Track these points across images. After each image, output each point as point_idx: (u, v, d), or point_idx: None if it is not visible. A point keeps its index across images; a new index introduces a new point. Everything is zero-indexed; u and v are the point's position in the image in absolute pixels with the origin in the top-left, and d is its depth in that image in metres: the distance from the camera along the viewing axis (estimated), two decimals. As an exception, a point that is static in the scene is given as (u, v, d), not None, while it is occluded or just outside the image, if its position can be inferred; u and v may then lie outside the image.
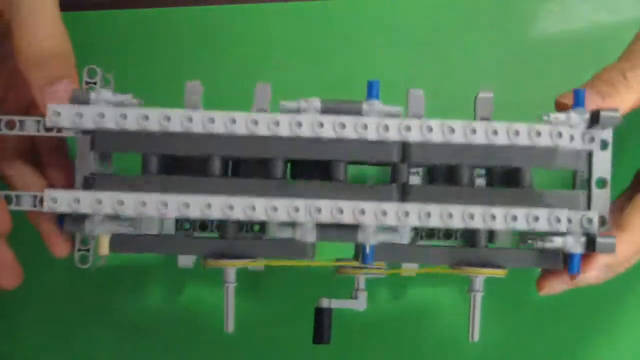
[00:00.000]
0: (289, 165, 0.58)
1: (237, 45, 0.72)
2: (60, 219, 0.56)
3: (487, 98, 0.62)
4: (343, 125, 0.53)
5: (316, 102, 0.54)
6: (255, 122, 0.53)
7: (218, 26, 0.72)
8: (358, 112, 0.54)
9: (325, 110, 0.54)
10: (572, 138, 0.54)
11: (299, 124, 0.53)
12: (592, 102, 0.57)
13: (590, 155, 0.57)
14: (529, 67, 0.69)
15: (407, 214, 0.54)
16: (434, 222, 0.54)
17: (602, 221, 0.57)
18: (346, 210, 0.53)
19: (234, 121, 0.53)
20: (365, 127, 0.53)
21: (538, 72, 0.65)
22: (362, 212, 0.53)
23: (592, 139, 0.56)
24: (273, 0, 0.72)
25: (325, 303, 0.58)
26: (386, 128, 0.53)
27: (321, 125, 0.53)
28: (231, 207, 0.53)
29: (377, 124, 0.53)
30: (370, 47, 0.71)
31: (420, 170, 0.64)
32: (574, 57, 0.69)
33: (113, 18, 0.73)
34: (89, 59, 0.65)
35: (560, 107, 0.58)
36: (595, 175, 0.57)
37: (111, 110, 0.53)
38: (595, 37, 0.70)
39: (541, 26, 0.71)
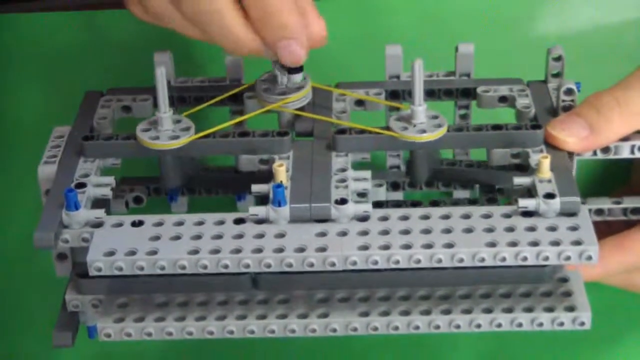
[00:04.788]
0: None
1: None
2: None
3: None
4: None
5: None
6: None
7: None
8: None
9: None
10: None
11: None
12: (577, 134, 0.55)
13: None
14: (529, 67, 0.69)
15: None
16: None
17: None
18: None
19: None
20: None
21: (538, 72, 0.65)
22: None
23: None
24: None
25: None
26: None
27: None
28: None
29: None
30: (369, 46, 0.71)
31: None
32: (574, 57, 0.69)
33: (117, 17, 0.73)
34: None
35: (550, 139, 0.55)
36: None
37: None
38: (595, 37, 0.70)
39: (541, 26, 0.71)
